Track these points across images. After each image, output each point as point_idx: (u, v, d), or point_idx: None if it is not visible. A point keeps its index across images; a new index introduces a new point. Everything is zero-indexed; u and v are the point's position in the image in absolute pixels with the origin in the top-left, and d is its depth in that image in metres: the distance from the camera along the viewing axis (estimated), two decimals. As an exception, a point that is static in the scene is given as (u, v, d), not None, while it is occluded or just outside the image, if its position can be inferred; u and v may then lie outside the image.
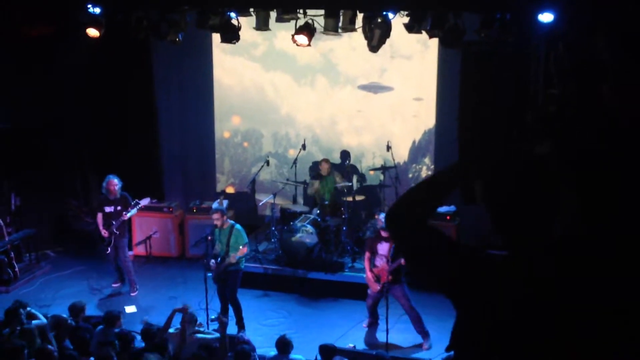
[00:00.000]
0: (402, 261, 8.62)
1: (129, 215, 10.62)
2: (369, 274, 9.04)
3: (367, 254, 9.19)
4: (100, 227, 10.60)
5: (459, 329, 2.26)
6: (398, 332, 9.16)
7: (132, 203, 10.65)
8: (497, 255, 2.18)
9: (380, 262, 8.92)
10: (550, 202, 2.09)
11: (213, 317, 9.55)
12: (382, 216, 9.00)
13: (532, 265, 2.08)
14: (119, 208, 10.60)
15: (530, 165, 2.12)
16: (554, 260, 2.05)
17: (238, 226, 9.54)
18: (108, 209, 10.61)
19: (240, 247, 9.39)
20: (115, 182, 10.58)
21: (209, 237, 9.59)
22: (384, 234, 8.90)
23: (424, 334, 8.94)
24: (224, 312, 9.78)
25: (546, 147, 2.13)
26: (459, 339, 2.26)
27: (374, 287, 8.96)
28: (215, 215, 9.43)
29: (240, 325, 9.55)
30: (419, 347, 8.96)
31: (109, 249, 10.60)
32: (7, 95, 11.86)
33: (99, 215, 10.68)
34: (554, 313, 2.03)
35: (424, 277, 2.39)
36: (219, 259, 9.43)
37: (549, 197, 2.09)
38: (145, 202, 12.39)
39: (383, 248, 8.93)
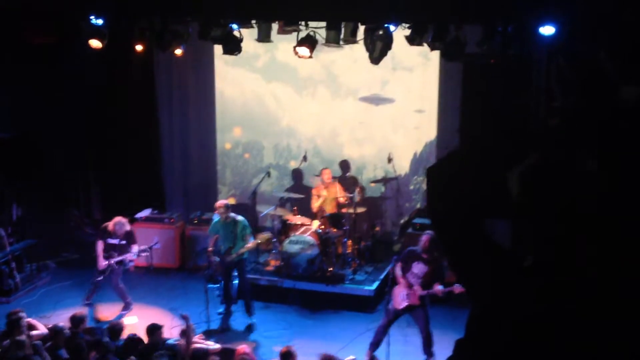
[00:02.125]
0: (436, 290, 8.47)
1: (134, 257, 10.47)
2: (401, 288, 8.64)
3: (400, 264, 8.77)
4: (100, 258, 10.31)
5: (474, 332, 2.25)
6: (400, 345, 9.12)
7: (141, 248, 10.52)
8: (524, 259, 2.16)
9: (411, 281, 8.66)
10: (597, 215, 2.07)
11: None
12: (425, 237, 8.63)
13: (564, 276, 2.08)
14: (123, 242, 10.40)
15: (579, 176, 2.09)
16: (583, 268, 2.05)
17: (240, 218, 9.97)
18: (112, 241, 10.38)
19: (247, 235, 9.96)
20: (126, 228, 10.39)
21: (210, 249, 9.64)
22: (424, 255, 8.62)
23: (430, 354, 8.84)
24: (228, 310, 10.03)
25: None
26: (473, 343, 2.25)
27: (398, 303, 8.66)
28: (221, 210, 9.80)
29: (250, 312, 9.96)
30: None
31: (102, 277, 10.37)
32: (9, 105, 11.88)
33: (100, 244, 10.39)
34: (582, 322, 2.02)
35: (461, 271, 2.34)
36: (224, 252, 9.63)
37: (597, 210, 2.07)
38: (146, 212, 12.46)
39: (419, 268, 8.62)
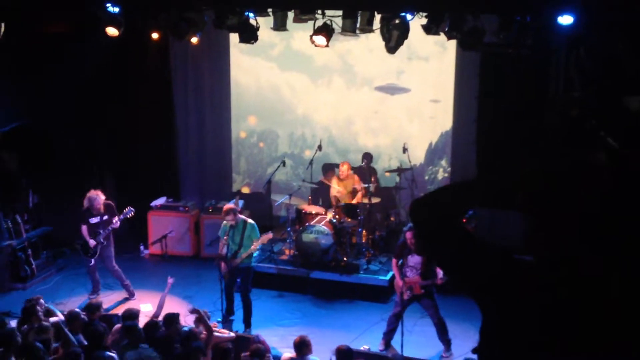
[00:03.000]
0: (437, 280, 8.59)
1: (118, 223, 10.34)
2: (399, 282, 8.83)
3: (395, 261, 8.98)
4: (88, 239, 10.26)
5: (485, 332, 2.24)
6: (415, 335, 9.13)
7: (124, 212, 10.40)
8: (525, 260, 2.15)
9: (411, 274, 8.76)
10: (602, 214, 2.03)
11: (219, 318, 9.61)
12: (409, 234, 8.74)
13: (569, 272, 2.05)
14: (105, 217, 10.30)
15: (586, 174, 2.04)
16: (591, 269, 2.03)
17: (251, 221, 9.60)
18: (94, 220, 10.28)
19: (254, 240, 9.50)
20: (101, 199, 10.24)
21: (225, 238, 9.61)
22: (414, 248, 8.72)
23: (447, 342, 8.87)
24: (229, 310, 9.79)
25: (602, 157, 2.06)
26: (485, 342, 2.24)
27: (404, 295, 8.74)
28: (229, 217, 9.49)
29: (247, 324, 9.59)
30: (436, 350, 8.90)
31: (93, 260, 10.29)
32: (25, 94, 11.93)
33: (84, 228, 10.30)
34: (586, 320, 2.00)
35: (451, 275, 2.39)
36: (229, 256, 9.49)
37: (602, 209, 2.03)
38: (161, 200, 12.52)
39: (414, 260, 8.75)
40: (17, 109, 11.98)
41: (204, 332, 7.84)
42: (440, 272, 8.60)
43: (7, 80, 11.51)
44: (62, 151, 12.58)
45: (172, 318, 7.91)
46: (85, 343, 7.38)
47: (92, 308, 8.27)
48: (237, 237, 9.54)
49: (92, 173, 13.28)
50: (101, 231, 10.26)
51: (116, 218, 10.33)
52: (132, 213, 10.53)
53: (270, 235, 9.77)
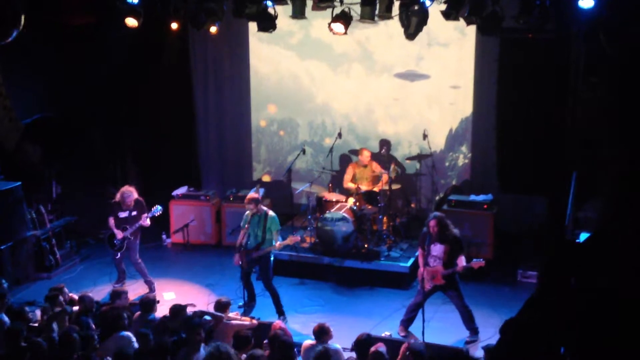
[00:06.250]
0: (458, 268, 8.58)
1: (148, 221, 10.33)
2: (422, 272, 8.76)
3: (420, 251, 8.93)
4: (115, 231, 10.27)
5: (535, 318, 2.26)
6: (436, 322, 9.13)
7: (152, 210, 10.37)
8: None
9: (433, 263, 8.71)
10: None
11: (240, 303, 9.67)
12: (432, 222, 8.70)
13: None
14: (134, 213, 10.31)
15: None
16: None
17: (272, 213, 9.59)
18: (122, 214, 10.30)
19: (274, 232, 9.47)
20: (133, 196, 10.27)
21: (245, 227, 9.63)
22: (437, 237, 8.68)
23: (473, 330, 8.85)
24: (250, 299, 9.83)
25: None
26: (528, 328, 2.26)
27: (426, 286, 8.71)
28: (251, 206, 9.51)
29: (280, 311, 9.58)
30: (457, 337, 8.88)
31: (119, 254, 10.34)
32: (49, 85, 12.04)
33: (111, 220, 10.32)
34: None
35: None
36: (253, 246, 9.48)
37: None
38: (182, 189, 12.60)
39: (437, 250, 8.69)
40: (40, 101, 12.10)
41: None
42: (462, 261, 8.57)
43: (30, 71, 11.62)
44: (85, 142, 12.70)
45: (179, 310, 7.87)
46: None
47: (115, 296, 8.36)
48: (258, 228, 9.53)
49: (115, 163, 13.41)
50: (128, 226, 10.29)
51: (145, 215, 10.34)
52: (160, 212, 10.56)
53: (297, 238, 9.75)
